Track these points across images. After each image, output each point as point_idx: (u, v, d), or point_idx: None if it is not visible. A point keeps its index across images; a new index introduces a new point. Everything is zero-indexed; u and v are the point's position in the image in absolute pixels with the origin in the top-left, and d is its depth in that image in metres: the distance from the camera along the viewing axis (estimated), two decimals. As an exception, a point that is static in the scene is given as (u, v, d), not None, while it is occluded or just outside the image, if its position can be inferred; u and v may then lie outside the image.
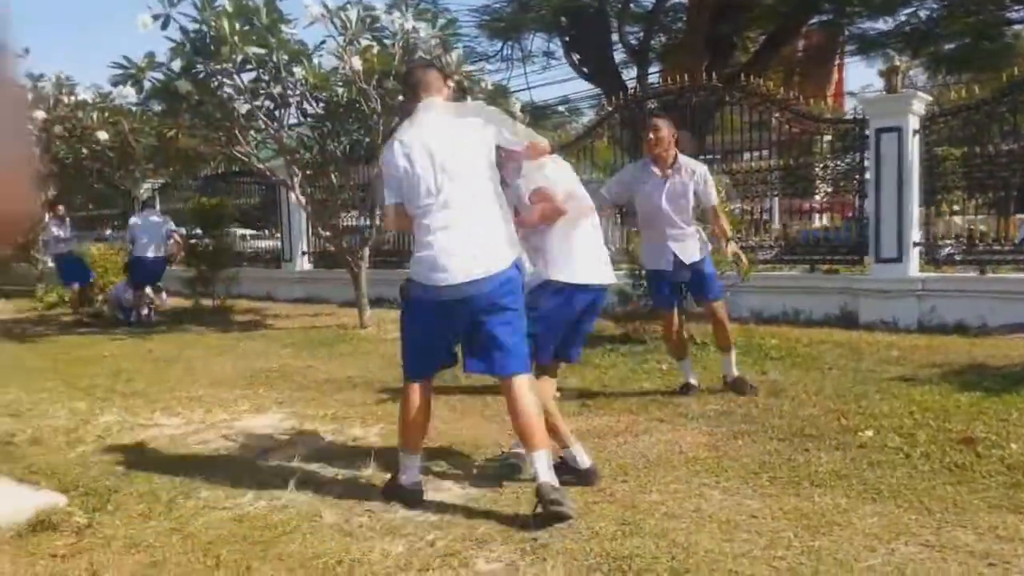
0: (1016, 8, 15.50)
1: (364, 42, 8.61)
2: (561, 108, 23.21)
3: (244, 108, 9.12)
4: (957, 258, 8.08)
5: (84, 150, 12.72)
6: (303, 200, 10.12)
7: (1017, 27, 16.55)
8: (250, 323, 10.57)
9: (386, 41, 8.73)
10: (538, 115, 18.95)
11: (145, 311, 11.02)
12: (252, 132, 9.77)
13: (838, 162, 9.34)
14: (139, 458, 4.35)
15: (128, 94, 9.16)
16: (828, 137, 9.74)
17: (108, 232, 17.97)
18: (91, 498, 3.62)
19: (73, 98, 13.18)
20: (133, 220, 11.55)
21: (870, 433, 4.23)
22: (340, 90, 8.97)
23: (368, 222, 10.34)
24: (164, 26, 8.05)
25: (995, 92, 8.15)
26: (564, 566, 2.79)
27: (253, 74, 8.83)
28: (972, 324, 7.42)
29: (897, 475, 3.62)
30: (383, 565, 2.86)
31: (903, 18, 16.35)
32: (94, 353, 8.35)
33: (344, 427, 4.91)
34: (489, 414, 5.04)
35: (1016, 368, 5.66)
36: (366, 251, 9.93)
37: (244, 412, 5.47)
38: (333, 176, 10.03)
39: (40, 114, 12.60)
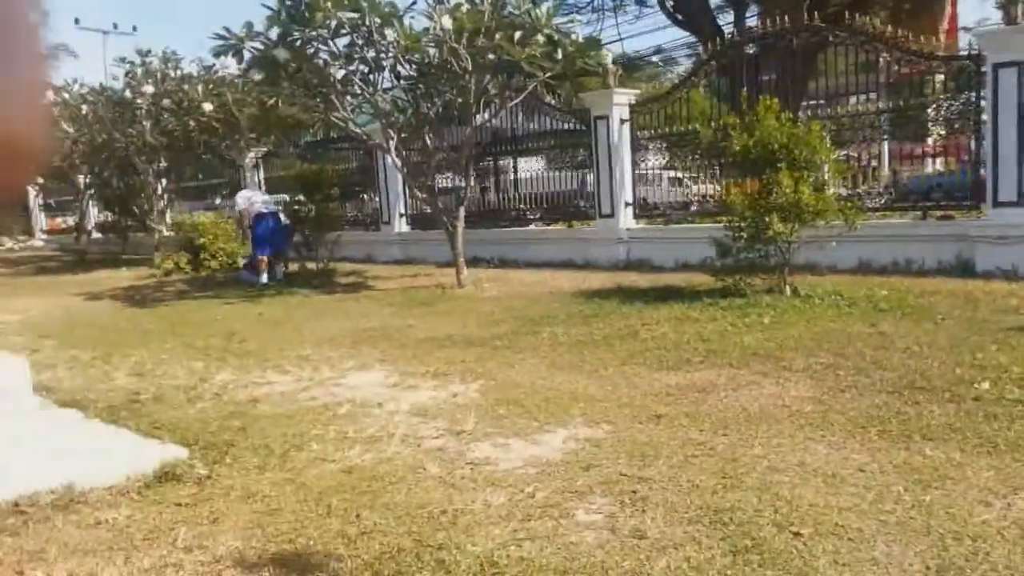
0: None
1: (453, 0, 8.59)
2: (655, 58, 22.58)
3: (340, 73, 9.28)
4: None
5: (191, 122, 13.21)
6: (398, 163, 10.27)
7: None
8: (352, 285, 10.87)
9: (475, -1, 8.69)
10: (631, 67, 18.52)
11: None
12: (348, 97, 9.93)
13: (952, 102, 8.79)
14: (253, 414, 4.57)
15: (229, 65, 9.47)
16: (941, 76, 9.18)
17: (217, 201, 18.69)
18: (211, 451, 3.83)
19: (179, 72, 13.74)
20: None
21: (986, 385, 4.03)
22: (432, 51, 8.99)
23: (463, 182, 10.41)
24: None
25: None
26: (663, 518, 2.79)
27: (347, 39, 8.94)
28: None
29: (1016, 428, 3.45)
30: (485, 515, 2.93)
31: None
32: (208, 316, 8.77)
33: (445, 383, 5.02)
34: (588, 369, 5.06)
35: None
36: (461, 211, 10.00)
37: (349, 370, 5.65)
38: (428, 138, 10.13)
39: (149, 88, 13.20)
